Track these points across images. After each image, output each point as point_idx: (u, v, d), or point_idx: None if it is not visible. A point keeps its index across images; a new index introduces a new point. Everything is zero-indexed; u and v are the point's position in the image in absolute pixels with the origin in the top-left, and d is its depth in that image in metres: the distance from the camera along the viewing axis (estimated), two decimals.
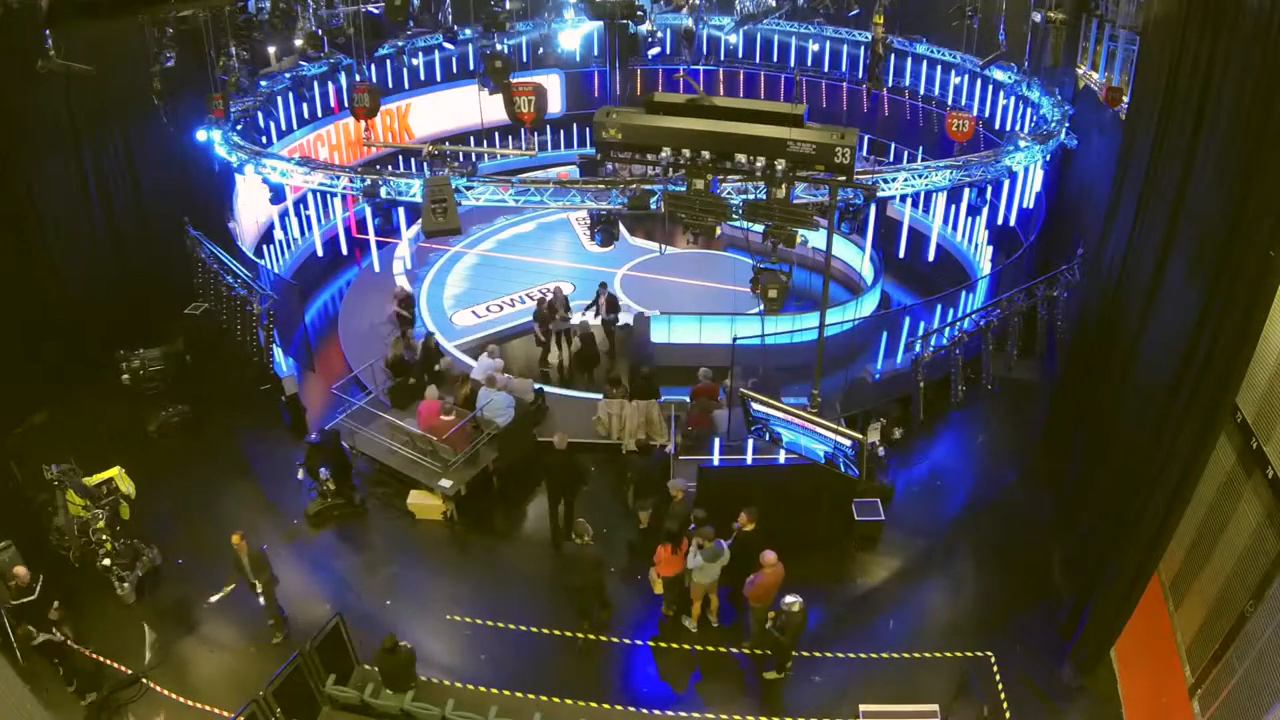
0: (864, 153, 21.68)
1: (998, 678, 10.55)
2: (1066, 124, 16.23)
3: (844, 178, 8.53)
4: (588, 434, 14.52)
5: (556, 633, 11.42)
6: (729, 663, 11.08)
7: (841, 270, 18.93)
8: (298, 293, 15.90)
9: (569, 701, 10.35)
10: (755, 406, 9.99)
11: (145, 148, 16.92)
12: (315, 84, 19.56)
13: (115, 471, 11.96)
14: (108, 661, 10.69)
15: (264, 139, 18.02)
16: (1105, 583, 10.21)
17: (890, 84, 21.45)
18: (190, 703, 10.33)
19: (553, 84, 23.41)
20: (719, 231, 9.97)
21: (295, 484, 13.55)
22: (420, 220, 12.54)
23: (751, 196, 11.37)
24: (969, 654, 10.73)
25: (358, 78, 18.54)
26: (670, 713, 10.29)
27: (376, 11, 17.43)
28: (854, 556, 12.58)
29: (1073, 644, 10.74)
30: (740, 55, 24.09)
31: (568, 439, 12.84)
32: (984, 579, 12.22)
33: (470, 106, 20.66)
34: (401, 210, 15.36)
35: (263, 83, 18.30)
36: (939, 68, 20.79)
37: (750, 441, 12.26)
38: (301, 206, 19.31)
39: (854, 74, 22.66)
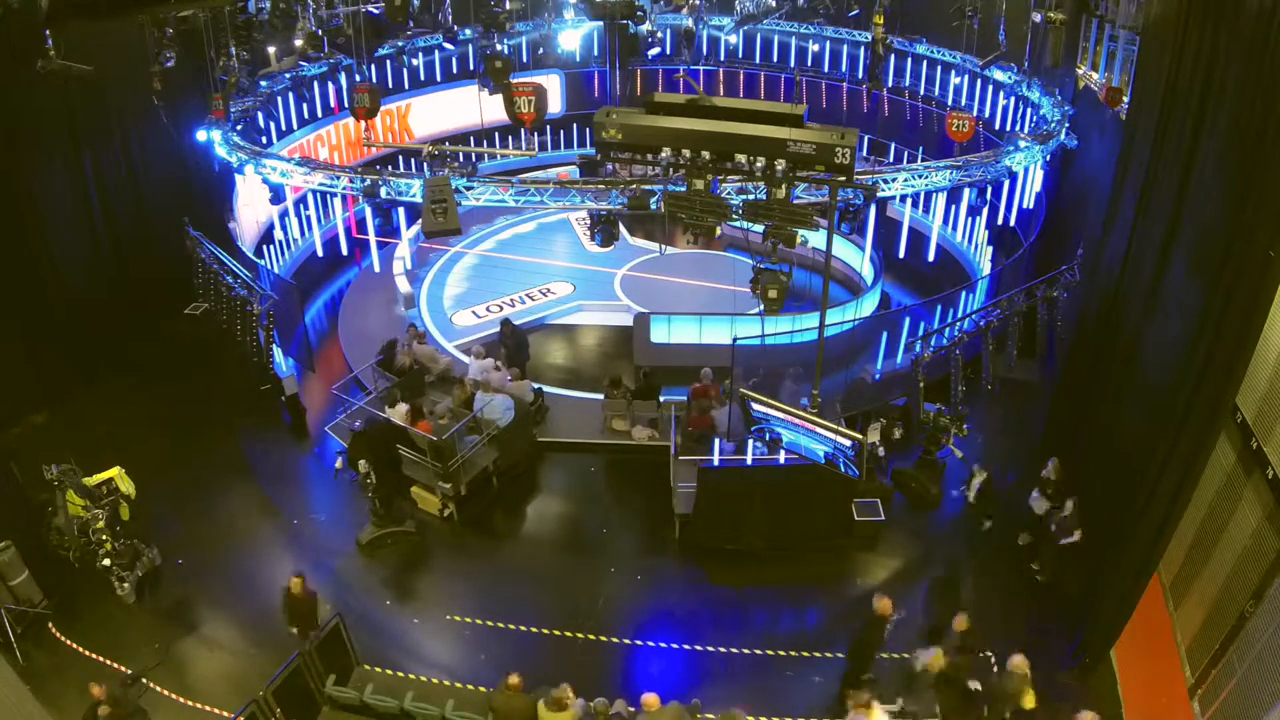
0: (864, 153, 21.70)
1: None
2: (1066, 124, 16.22)
3: (844, 178, 8.52)
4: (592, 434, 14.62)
5: (556, 633, 11.42)
6: (730, 663, 11.09)
7: (841, 270, 18.92)
8: (298, 293, 15.89)
9: None
10: (755, 407, 9.98)
11: (145, 148, 16.93)
12: (315, 84, 19.56)
13: (115, 471, 11.94)
14: (108, 661, 10.69)
15: (264, 139, 18.01)
16: (1105, 583, 10.21)
17: (890, 84, 21.45)
18: (190, 703, 10.34)
19: (553, 84, 23.40)
20: (719, 232, 9.95)
21: (333, 474, 13.62)
22: (420, 220, 12.54)
23: (751, 196, 11.38)
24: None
25: (358, 78, 18.54)
26: None
27: (376, 11, 17.40)
28: (854, 556, 12.58)
29: (1073, 644, 10.75)
30: (740, 55, 24.09)
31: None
32: (984, 579, 12.22)
33: (470, 107, 20.64)
34: (401, 210, 15.36)
35: (263, 83, 18.31)
36: (939, 68, 20.79)
37: (750, 441, 12.26)
38: (301, 206, 19.30)
39: (854, 74, 22.66)
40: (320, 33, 16.80)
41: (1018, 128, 18.18)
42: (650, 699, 9.10)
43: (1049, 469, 12.06)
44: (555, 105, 22.69)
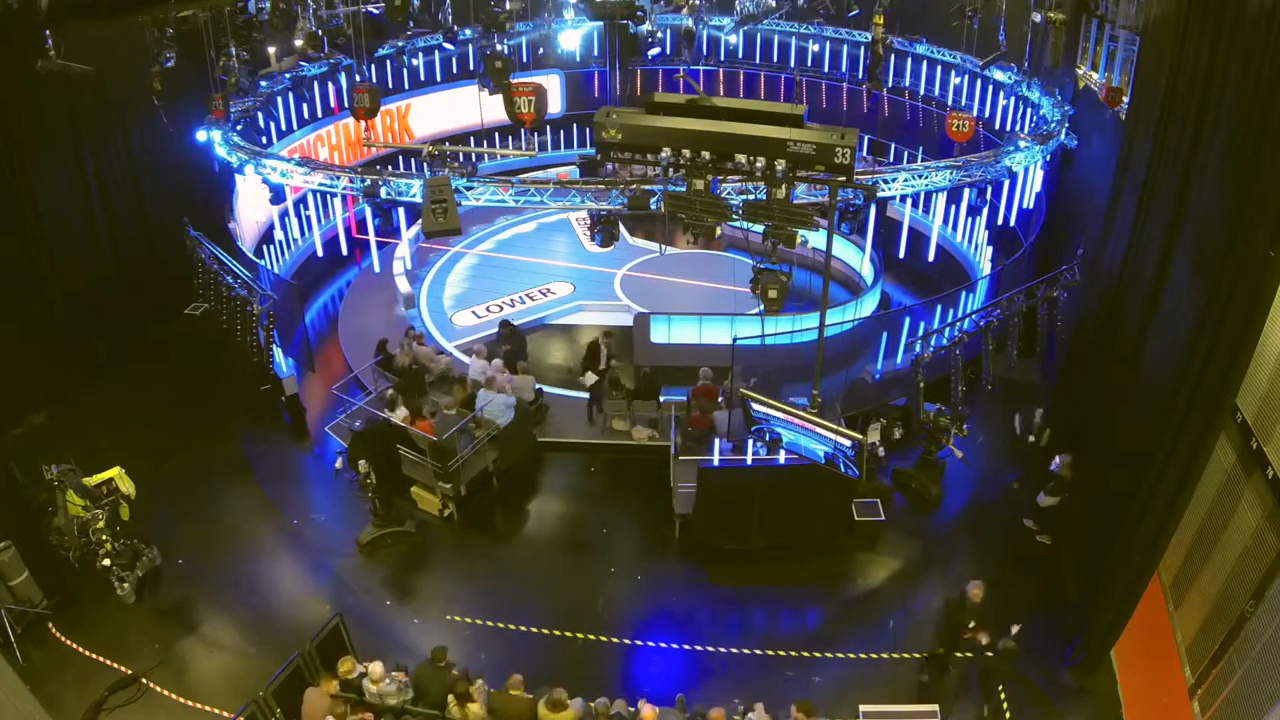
0: (864, 153, 21.67)
1: None
2: (1066, 124, 16.22)
3: (844, 178, 8.53)
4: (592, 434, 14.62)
5: (556, 633, 11.43)
6: (730, 663, 11.09)
7: (841, 270, 18.92)
8: (298, 293, 15.89)
9: None
10: (755, 407, 9.99)
11: (145, 148, 16.93)
12: (315, 84, 19.54)
13: (115, 471, 11.94)
14: (108, 661, 10.69)
15: (264, 139, 18.00)
16: (1105, 583, 10.21)
17: (890, 84, 21.42)
18: (190, 703, 10.33)
19: (553, 84, 23.38)
20: (719, 232, 9.94)
21: (333, 473, 13.63)
22: (420, 220, 12.54)
23: (751, 197, 11.37)
24: (969, 654, 10.72)
25: (358, 78, 18.51)
26: None
27: (376, 11, 17.41)
28: (854, 556, 12.58)
29: (1073, 644, 10.75)
30: (740, 55, 24.07)
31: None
32: (983, 579, 12.20)
33: (470, 107, 20.65)
34: (401, 210, 15.36)
35: (263, 83, 18.28)
36: (939, 68, 20.77)
37: (750, 442, 12.26)
38: (301, 207, 19.30)
39: (854, 74, 22.64)
40: (320, 33, 16.80)
41: (1018, 128, 18.17)
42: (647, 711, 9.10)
43: (1058, 464, 12.16)
44: (555, 105, 22.67)
